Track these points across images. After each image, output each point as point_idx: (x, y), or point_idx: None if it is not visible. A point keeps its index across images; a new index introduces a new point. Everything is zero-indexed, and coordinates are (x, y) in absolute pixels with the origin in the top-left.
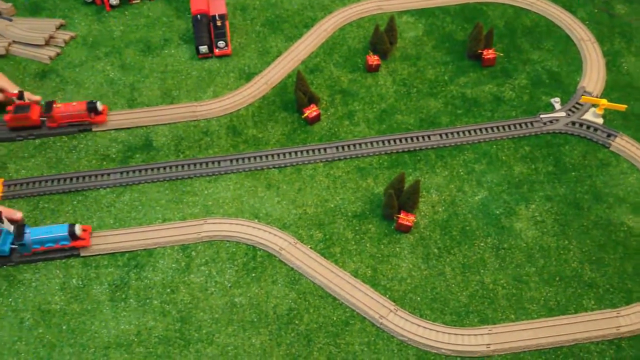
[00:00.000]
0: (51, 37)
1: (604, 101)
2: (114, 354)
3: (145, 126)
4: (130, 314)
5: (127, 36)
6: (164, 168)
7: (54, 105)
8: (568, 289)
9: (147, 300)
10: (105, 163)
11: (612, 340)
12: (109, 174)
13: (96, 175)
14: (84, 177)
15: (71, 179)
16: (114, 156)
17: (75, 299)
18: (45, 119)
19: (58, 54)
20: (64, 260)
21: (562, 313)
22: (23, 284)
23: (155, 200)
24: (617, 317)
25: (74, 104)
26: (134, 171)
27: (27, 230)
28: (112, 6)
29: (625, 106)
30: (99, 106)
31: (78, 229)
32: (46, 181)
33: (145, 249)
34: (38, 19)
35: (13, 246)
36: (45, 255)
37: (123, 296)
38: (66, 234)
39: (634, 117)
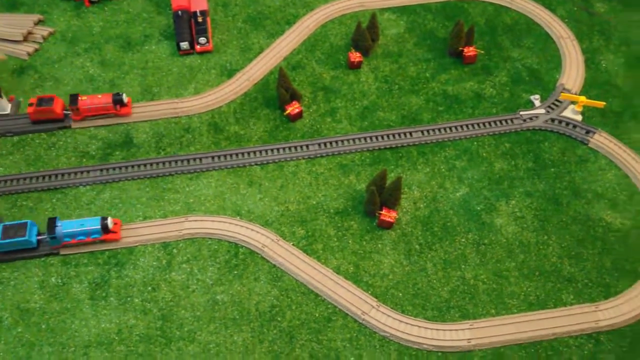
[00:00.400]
0: (29, 32)
1: (582, 98)
2: (94, 352)
3: (126, 123)
4: (111, 312)
5: (107, 32)
6: (145, 165)
7: (80, 98)
8: (547, 283)
9: (128, 299)
10: (84, 160)
11: (591, 334)
12: (88, 172)
13: (75, 173)
14: (63, 175)
15: (50, 176)
16: (93, 153)
17: (54, 297)
18: (69, 112)
19: (36, 50)
20: (43, 259)
21: (542, 307)
22: (1, 283)
23: (136, 198)
24: (595, 311)
25: (100, 96)
26: (114, 168)
27: (59, 223)
28: (91, 2)
29: (604, 103)
30: (124, 98)
31: (110, 222)
32: (25, 179)
33: (125, 247)
34: (16, 14)
35: (39, 237)
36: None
37: (103, 294)
38: (99, 227)
39: (612, 114)
